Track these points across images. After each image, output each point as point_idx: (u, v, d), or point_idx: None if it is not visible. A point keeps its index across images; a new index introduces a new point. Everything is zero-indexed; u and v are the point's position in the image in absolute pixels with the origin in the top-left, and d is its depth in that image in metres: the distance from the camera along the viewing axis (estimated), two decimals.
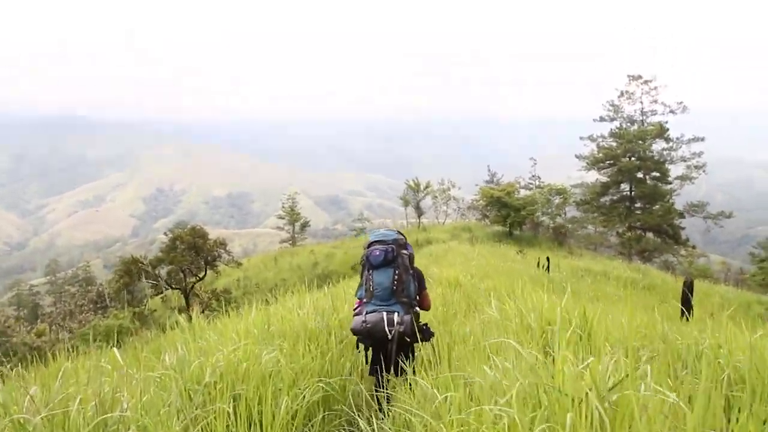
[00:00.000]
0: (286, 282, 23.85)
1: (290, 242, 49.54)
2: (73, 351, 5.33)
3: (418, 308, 4.09)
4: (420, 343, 3.92)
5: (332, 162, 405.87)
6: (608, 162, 38.96)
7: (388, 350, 3.71)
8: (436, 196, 47.13)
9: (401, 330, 3.69)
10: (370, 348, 3.92)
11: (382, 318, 3.72)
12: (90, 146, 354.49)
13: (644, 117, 39.06)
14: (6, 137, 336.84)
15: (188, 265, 24.57)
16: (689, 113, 38.34)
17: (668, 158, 38.07)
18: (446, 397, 2.56)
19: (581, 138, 41.04)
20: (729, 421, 2.30)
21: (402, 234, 4.16)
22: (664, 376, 2.89)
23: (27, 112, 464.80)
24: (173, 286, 25.00)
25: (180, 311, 22.29)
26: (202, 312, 18.70)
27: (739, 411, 2.33)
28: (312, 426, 3.36)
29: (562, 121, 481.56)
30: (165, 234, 27.82)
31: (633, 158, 38.11)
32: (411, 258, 4.09)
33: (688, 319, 7.10)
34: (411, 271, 4.02)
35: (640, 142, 37.62)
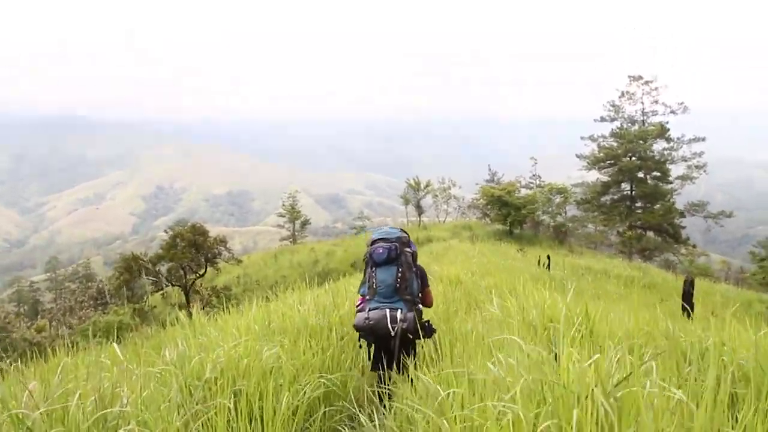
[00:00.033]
0: (287, 279, 23.84)
1: (290, 240, 49.56)
2: (72, 347, 5.32)
3: (420, 305, 4.08)
4: (422, 339, 3.90)
5: (332, 162, 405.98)
6: (609, 162, 38.99)
7: (391, 347, 3.70)
8: (437, 195, 47.18)
9: (404, 327, 3.69)
10: (373, 345, 3.92)
11: (385, 315, 3.71)
12: (90, 146, 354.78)
13: (645, 117, 39.06)
14: (6, 137, 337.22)
15: (188, 262, 24.60)
16: (690, 113, 38.36)
17: (669, 158, 38.08)
18: (449, 393, 2.54)
19: (582, 138, 41.06)
20: (735, 419, 2.28)
21: (405, 232, 4.15)
22: (668, 373, 2.87)
23: (27, 112, 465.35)
24: (173, 282, 25.03)
25: (180, 308, 22.30)
26: (203, 309, 18.69)
27: (742, 408, 2.32)
28: (313, 422, 3.34)
29: (562, 121, 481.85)
30: (165, 231, 27.84)
31: (634, 158, 38.13)
32: (414, 256, 4.08)
33: (689, 317, 7.10)
34: (414, 269, 4.01)
35: (641, 142, 37.64)
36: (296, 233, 49.89)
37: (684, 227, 37.80)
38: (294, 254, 37.27)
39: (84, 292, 34.77)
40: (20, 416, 2.49)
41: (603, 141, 39.84)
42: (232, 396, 3.03)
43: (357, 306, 4.00)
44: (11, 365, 3.73)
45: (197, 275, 25.40)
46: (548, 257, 17.76)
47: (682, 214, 37.27)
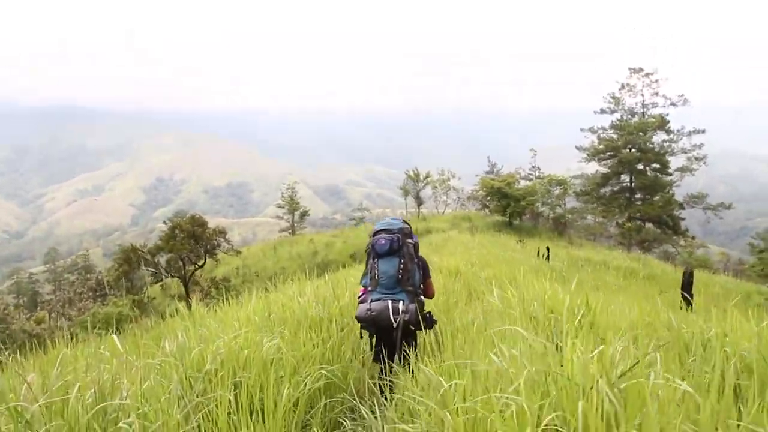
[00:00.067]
0: (286, 270, 23.85)
1: (290, 231, 49.51)
2: (72, 338, 5.30)
3: (422, 297, 4.08)
4: (423, 330, 3.89)
5: (332, 153, 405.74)
6: (609, 153, 38.89)
7: (393, 338, 3.69)
8: (436, 186, 47.13)
9: (406, 319, 3.68)
10: (374, 336, 3.91)
11: (387, 306, 3.70)
12: (90, 135, 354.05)
13: (645, 109, 38.93)
14: (6, 127, 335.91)
15: (187, 253, 24.58)
16: (691, 110, 38.28)
17: (669, 150, 38.00)
18: (452, 384, 2.52)
19: (582, 130, 40.93)
20: (738, 410, 2.26)
21: (407, 223, 4.13)
22: (671, 364, 2.86)
23: (27, 102, 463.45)
24: (173, 274, 25.03)
25: (179, 299, 22.32)
26: (202, 300, 18.71)
27: (747, 400, 2.30)
28: (314, 414, 3.32)
29: (562, 113, 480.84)
30: (164, 223, 27.82)
31: (633, 150, 38.04)
32: (416, 247, 4.07)
33: (688, 308, 7.09)
34: (416, 260, 4.01)
35: (641, 133, 37.53)
36: (295, 224, 49.83)
37: (683, 219, 37.81)
38: (293, 245, 37.28)
39: (83, 283, 34.81)
40: (18, 409, 2.47)
41: (603, 133, 39.71)
42: (233, 388, 3.01)
43: (359, 297, 4.00)
44: (10, 357, 3.70)
45: (196, 266, 25.39)
46: (548, 249, 17.78)
47: (681, 206, 37.25)
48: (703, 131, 37.64)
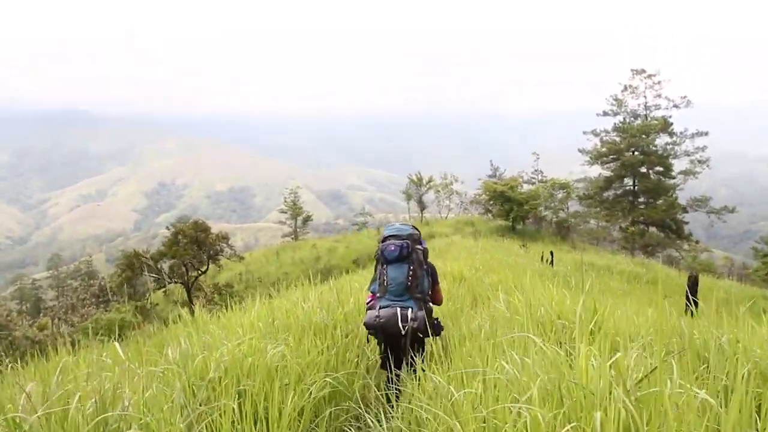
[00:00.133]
0: (289, 276, 23.79)
1: (292, 236, 49.44)
2: (74, 345, 5.24)
3: (431, 303, 4.03)
4: (431, 337, 3.84)
5: (333, 157, 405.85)
6: (611, 156, 38.84)
7: (402, 346, 3.64)
8: (439, 191, 47.04)
9: (414, 326, 3.63)
10: (382, 343, 3.86)
11: (396, 313, 3.66)
12: (92, 140, 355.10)
13: (648, 111, 38.89)
14: (8, 131, 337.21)
15: (190, 259, 24.54)
16: (693, 108, 38.18)
17: (672, 153, 37.92)
18: (462, 393, 2.46)
19: (584, 132, 40.90)
20: (759, 419, 2.20)
21: (416, 229, 4.10)
22: (685, 371, 2.79)
23: (29, 107, 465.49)
24: (175, 280, 24.98)
25: (183, 305, 22.26)
26: (205, 306, 18.65)
27: (763, 408, 2.24)
28: (319, 423, 3.26)
29: (564, 116, 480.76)
30: (167, 228, 27.80)
31: (636, 153, 37.99)
32: (425, 253, 4.03)
33: (692, 314, 7.00)
34: (425, 267, 3.97)
35: (644, 136, 37.47)
36: (298, 230, 49.78)
37: (687, 222, 37.69)
38: (296, 251, 37.22)
39: (86, 289, 34.70)
40: (17, 420, 2.40)
41: (605, 135, 39.68)
42: (237, 396, 2.95)
43: (367, 303, 3.96)
44: (9, 365, 3.64)
45: (199, 272, 25.35)
46: (551, 253, 17.67)
47: (684, 210, 37.14)
48: (706, 133, 37.59)
